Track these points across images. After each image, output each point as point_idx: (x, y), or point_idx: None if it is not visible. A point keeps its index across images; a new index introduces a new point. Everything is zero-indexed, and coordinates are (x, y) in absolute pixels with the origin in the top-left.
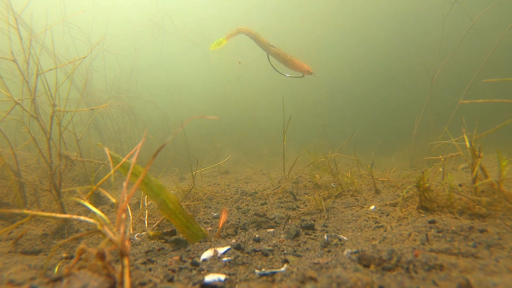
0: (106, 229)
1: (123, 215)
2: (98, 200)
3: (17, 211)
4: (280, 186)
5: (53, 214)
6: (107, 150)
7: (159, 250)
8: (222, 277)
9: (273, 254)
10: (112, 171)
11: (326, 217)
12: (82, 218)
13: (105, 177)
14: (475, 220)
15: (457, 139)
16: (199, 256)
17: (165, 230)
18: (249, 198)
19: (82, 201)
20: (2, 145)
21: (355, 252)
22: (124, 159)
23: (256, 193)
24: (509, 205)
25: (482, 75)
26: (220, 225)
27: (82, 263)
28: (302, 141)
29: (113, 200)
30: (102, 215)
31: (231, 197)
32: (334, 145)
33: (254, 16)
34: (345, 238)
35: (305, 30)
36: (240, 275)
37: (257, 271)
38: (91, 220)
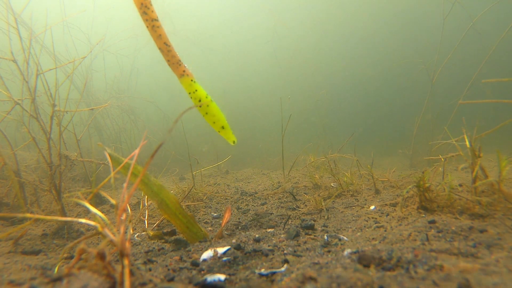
0: (106, 230)
1: (123, 216)
2: (98, 200)
3: (20, 214)
4: (280, 186)
5: (55, 218)
6: (107, 150)
7: (159, 250)
8: (222, 277)
9: (273, 254)
10: (112, 174)
11: (326, 217)
12: (83, 220)
13: (105, 180)
14: (475, 220)
15: (457, 139)
16: (199, 256)
17: (165, 230)
18: (249, 198)
19: (82, 202)
20: (2, 145)
21: (355, 252)
22: (125, 161)
23: (256, 193)
24: (509, 205)
25: (482, 75)
26: (223, 224)
27: (82, 263)
28: (302, 141)
29: (113, 202)
30: (102, 215)
31: (231, 197)
32: (334, 145)
33: (254, 16)
34: (345, 238)
35: (306, 30)
36: (240, 275)
37: (257, 271)
38: (92, 223)
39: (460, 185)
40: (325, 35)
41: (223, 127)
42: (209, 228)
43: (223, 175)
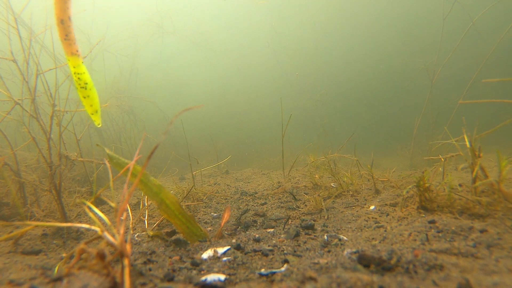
0: (106, 234)
1: (124, 215)
2: (98, 200)
3: (21, 223)
4: (280, 186)
5: (57, 224)
6: (107, 151)
7: (159, 250)
8: (222, 277)
9: (273, 254)
10: (111, 180)
11: (326, 217)
12: (84, 225)
13: (103, 189)
14: (475, 220)
15: (457, 139)
16: (199, 256)
17: (165, 230)
18: (249, 198)
19: (85, 203)
20: (2, 145)
21: (355, 252)
22: (128, 165)
23: (256, 193)
24: (509, 205)
25: (482, 75)
26: (223, 223)
27: (82, 263)
28: (302, 141)
29: (113, 205)
30: (103, 215)
31: (231, 197)
32: (334, 145)
33: (254, 17)
34: (345, 238)
35: (306, 31)
36: (240, 275)
37: (257, 271)
38: (94, 228)
39: (460, 185)
40: (325, 35)
41: (96, 111)
42: (209, 228)
43: (223, 175)
